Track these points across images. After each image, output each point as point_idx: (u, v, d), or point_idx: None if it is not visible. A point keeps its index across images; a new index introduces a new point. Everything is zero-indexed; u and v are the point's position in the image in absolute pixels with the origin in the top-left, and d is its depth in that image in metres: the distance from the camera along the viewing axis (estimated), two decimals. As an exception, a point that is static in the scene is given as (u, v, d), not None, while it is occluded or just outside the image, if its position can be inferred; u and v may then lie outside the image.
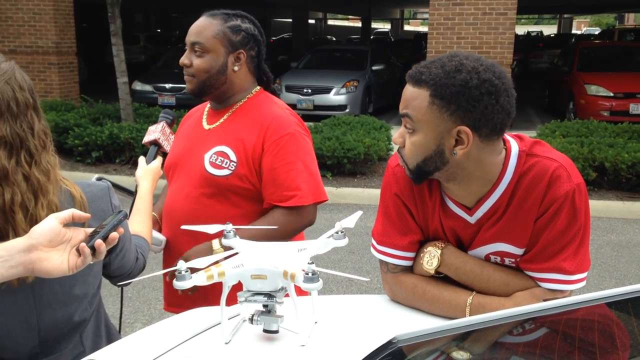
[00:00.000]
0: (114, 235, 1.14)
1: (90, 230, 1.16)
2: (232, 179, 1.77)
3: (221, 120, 1.86)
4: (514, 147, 1.33)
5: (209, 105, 1.95)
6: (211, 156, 1.80)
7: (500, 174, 1.31)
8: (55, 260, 1.10)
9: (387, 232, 1.44)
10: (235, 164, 1.77)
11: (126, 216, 1.19)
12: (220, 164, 1.78)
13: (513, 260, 1.37)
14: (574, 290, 1.35)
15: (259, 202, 1.82)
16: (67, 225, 1.13)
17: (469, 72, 1.22)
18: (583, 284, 1.33)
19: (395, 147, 1.37)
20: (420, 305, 1.40)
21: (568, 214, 1.28)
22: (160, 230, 1.94)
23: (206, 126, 1.88)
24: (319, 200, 1.81)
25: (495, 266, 1.37)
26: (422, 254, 1.41)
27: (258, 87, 1.90)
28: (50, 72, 10.13)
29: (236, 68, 1.81)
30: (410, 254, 1.43)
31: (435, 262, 1.38)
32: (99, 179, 1.48)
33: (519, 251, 1.35)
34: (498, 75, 1.24)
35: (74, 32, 10.46)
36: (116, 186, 1.88)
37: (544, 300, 1.30)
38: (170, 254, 1.89)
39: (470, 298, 1.33)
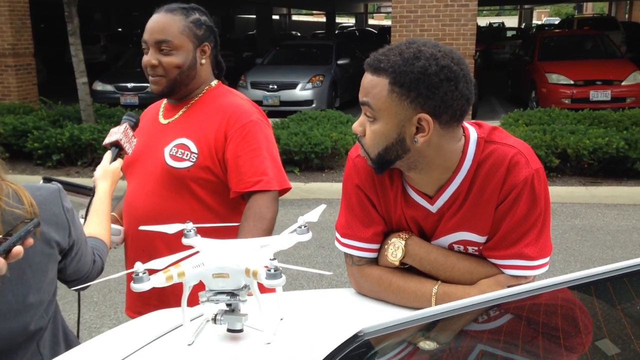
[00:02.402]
0: (18, 249, 1.06)
1: None
2: (193, 170, 1.74)
3: (179, 113, 1.83)
4: (473, 134, 1.33)
5: (165, 100, 1.91)
6: (171, 149, 1.77)
7: (460, 161, 1.31)
8: None
9: (350, 225, 1.42)
10: (196, 156, 1.75)
11: (37, 225, 1.10)
12: (180, 156, 1.75)
13: (476, 248, 1.37)
14: (538, 275, 1.36)
15: (223, 195, 1.79)
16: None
17: (427, 58, 1.21)
18: (546, 268, 1.33)
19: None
20: (386, 297, 1.39)
21: (528, 199, 1.28)
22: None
23: (163, 121, 1.85)
24: (284, 187, 1.79)
25: (459, 255, 1.37)
26: (386, 246, 1.40)
27: (215, 81, 1.88)
28: (7, 74, 9.85)
29: (203, 61, 1.80)
30: (375, 246, 1.42)
31: (399, 253, 1.37)
32: (47, 180, 1.42)
33: (481, 239, 1.35)
34: (457, 61, 1.23)
35: (30, 32, 10.18)
36: (72, 185, 1.82)
37: (508, 286, 1.30)
38: (133, 252, 1.86)
39: (436, 287, 1.33)
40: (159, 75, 1.76)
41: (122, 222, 1.93)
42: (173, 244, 1.66)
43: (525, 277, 1.32)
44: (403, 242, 1.37)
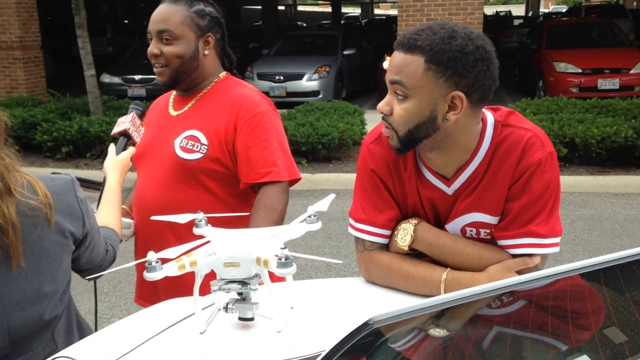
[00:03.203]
0: None
1: None
2: (203, 162, 1.76)
3: (188, 105, 1.84)
4: (490, 117, 1.35)
5: (174, 92, 1.92)
6: (181, 141, 1.78)
7: (478, 143, 1.33)
8: None
9: (364, 210, 1.44)
10: (206, 147, 1.76)
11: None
12: (191, 147, 1.76)
13: (488, 231, 1.38)
14: (547, 262, 1.36)
15: (233, 186, 1.80)
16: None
17: (462, 37, 1.24)
18: (557, 249, 1.34)
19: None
20: (395, 283, 1.40)
21: (541, 179, 1.30)
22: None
23: (173, 112, 1.86)
24: (294, 178, 1.80)
25: (468, 241, 1.38)
26: (396, 231, 1.41)
27: (224, 72, 1.89)
28: (15, 67, 9.89)
29: (206, 52, 1.80)
30: (387, 232, 1.43)
31: (408, 239, 1.38)
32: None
33: (493, 220, 1.36)
34: (488, 42, 1.27)
35: (37, 25, 10.21)
36: (82, 180, 1.83)
37: (518, 272, 1.31)
38: (142, 243, 1.87)
39: (445, 274, 1.33)
40: (162, 66, 1.77)
41: (132, 214, 1.95)
42: (183, 234, 1.68)
43: (536, 256, 1.32)
44: (412, 228, 1.38)
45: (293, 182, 1.82)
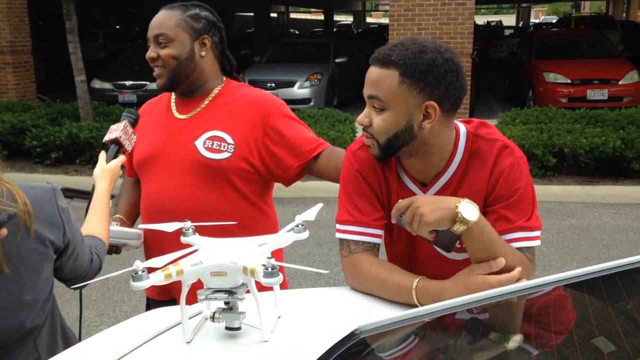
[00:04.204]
0: None
1: None
2: (232, 160, 1.80)
3: (198, 108, 1.86)
4: (462, 127, 1.45)
5: (173, 95, 1.93)
6: (204, 142, 1.80)
7: (453, 151, 1.42)
8: None
9: (348, 211, 1.47)
10: (233, 146, 1.80)
11: (11, 218, 1.12)
12: (217, 148, 1.80)
13: None
14: (535, 274, 1.37)
15: (256, 184, 1.87)
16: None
17: (432, 52, 1.33)
18: (539, 242, 1.40)
19: (359, 130, 1.40)
20: (372, 288, 1.41)
21: (517, 181, 1.38)
22: (131, 227, 1.93)
23: (179, 116, 1.87)
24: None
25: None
26: (459, 203, 1.28)
27: (224, 78, 1.93)
28: (5, 72, 9.84)
29: (203, 53, 1.84)
30: (372, 230, 1.45)
31: (476, 213, 1.28)
32: (66, 190, 1.43)
33: None
34: (455, 55, 1.37)
35: (28, 30, 10.17)
36: (72, 190, 1.83)
37: (477, 274, 1.30)
38: (157, 248, 1.85)
39: (416, 281, 1.34)
40: (160, 67, 1.80)
41: (130, 222, 1.95)
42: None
43: (500, 260, 1.30)
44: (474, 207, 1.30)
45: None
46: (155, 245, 1.88)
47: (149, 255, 1.92)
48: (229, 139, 1.80)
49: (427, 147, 1.39)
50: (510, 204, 1.38)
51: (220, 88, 1.89)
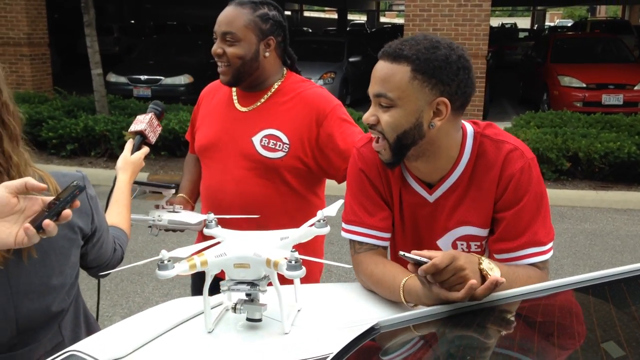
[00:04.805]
0: (67, 212, 1.10)
1: (50, 199, 1.12)
2: (286, 160, 1.85)
3: (258, 102, 1.91)
4: (469, 128, 1.40)
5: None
6: (261, 139, 1.86)
7: (460, 152, 1.38)
8: (2, 232, 1.08)
9: (353, 211, 1.46)
10: (288, 146, 1.85)
11: (83, 189, 1.15)
12: (273, 147, 1.85)
13: (478, 243, 1.41)
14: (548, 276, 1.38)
15: (309, 180, 1.92)
16: (24, 195, 1.10)
17: (446, 47, 1.29)
18: (552, 253, 1.37)
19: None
20: (373, 288, 1.40)
21: (528, 185, 1.33)
22: (193, 207, 2.03)
23: (241, 108, 1.92)
24: None
25: (509, 265, 1.33)
26: (482, 261, 1.22)
27: (285, 70, 1.96)
28: (22, 63, 9.93)
29: (267, 54, 1.87)
30: (377, 233, 1.44)
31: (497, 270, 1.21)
32: (137, 183, 1.45)
33: (483, 232, 1.40)
34: (466, 52, 1.34)
35: (45, 22, 10.25)
36: (153, 184, 1.93)
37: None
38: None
39: (404, 280, 1.30)
40: (225, 64, 1.84)
41: (193, 202, 2.04)
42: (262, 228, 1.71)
43: (542, 263, 1.34)
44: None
45: None
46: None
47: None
48: (285, 139, 1.85)
49: (435, 147, 1.34)
50: (521, 209, 1.33)
51: (280, 83, 1.92)
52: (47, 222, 1.08)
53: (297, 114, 1.86)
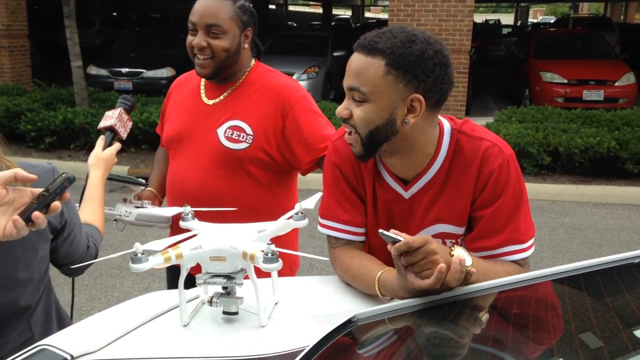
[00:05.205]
0: (56, 204, 1.09)
1: (39, 191, 1.10)
2: (250, 151, 1.83)
3: (224, 94, 1.89)
4: (446, 124, 1.37)
5: (203, 79, 1.95)
6: (225, 131, 1.84)
7: (437, 148, 1.35)
8: None
9: (329, 206, 1.45)
10: (252, 137, 1.83)
11: (71, 181, 1.13)
12: (236, 138, 1.83)
13: (453, 241, 1.40)
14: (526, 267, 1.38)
15: (275, 172, 1.90)
16: (12, 186, 1.08)
17: (422, 42, 1.24)
18: (532, 250, 1.36)
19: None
20: (350, 282, 1.39)
21: (507, 184, 1.31)
22: (160, 202, 2.01)
23: (207, 101, 1.90)
24: None
25: (487, 260, 1.33)
26: (452, 251, 1.23)
27: (254, 60, 1.95)
28: (1, 55, 9.77)
29: (246, 45, 1.87)
30: (351, 228, 1.43)
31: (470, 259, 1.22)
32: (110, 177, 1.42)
33: (459, 230, 1.38)
34: (445, 48, 1.28)
35: (25, 14, 10.09)
36: (122, 178, 1.89)
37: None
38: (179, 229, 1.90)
39: (380, 273, 1.29)
40: (208, 58, 1.81)
41: (161, 196, 2.02)
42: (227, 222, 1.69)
43: (522, 260, 1.34)
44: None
45: None
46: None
47: (174, 231, 1.95)
48: (248, 130, 1.83)
49: (409, 144, 1.30)
50: (500, 206, 1.31)
51: (245, 75, 1.90)
52: (36, 214, 1.07)
53: (263, 104, 1.85)
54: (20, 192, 1.10)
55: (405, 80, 1.24)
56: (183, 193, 1.88)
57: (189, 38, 1.82)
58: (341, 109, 1.30)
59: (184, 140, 1.90)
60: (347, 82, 1.29)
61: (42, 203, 1.09)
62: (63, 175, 1.13)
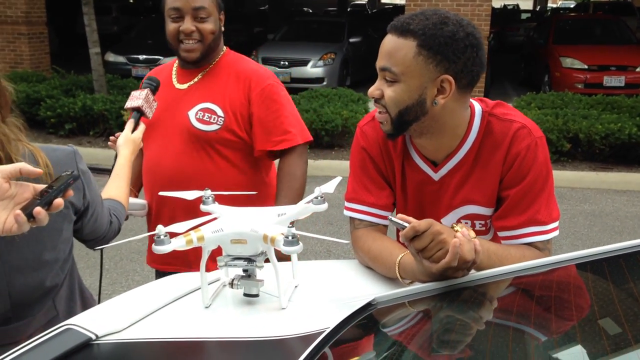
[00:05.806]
0: (59, 201, 1.09)
1: (42, 187, 1.10)
2: (221, 132, 1.86)
3: (196, 78, 1.92)
4: (477, 107, 1.38)
5: (176, 64, 1.99)
6: (196, 113, 1.87)
7: (467, 130, 1.36)
8: None
9: (354, 189, 1.47)
10: (222, 119, 1.86)
11: (77, 178, 1.14)
12: (208, 119, 1.86)
13: (483, 222, 1.40)
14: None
15: (246, 152, 1.93)
16: (17, 180, 1.08)
17: (454, 24, 1.26)
18: (557, 233, 1.36)
19: (371, 109, 1.37)
20: (370, 265, 1.39)
21: (534, 165, 1.32)
22: (136, 195, 2.01)
23: (179, 86, 1.93)
24: (306, 140, 1.95)
25: (498, 244, 1.35)
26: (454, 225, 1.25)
27: (225, 47, 1.98)
28: (20, 42, 9.86)
29: (222, 28, 1.91)
30: (376, 211, 1.44)
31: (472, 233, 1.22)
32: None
33: (488, 211, 1.39)
34: (477, 30, 1.30)
35: (43, 1, 10.15)
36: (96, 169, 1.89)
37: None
38: (157, 212, 1.95)
39: (400, 256, 1.29)
40: (196, 41, 1.83)
41: (135, 192, 2.01)
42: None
43: (542, 242, 1.34)
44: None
45: (306, 144, 1.96)
46: (158, 214, 1.95)
47: (151, 225, 1.99)
48: (219, 112, 1.86)
49: (439, 124, 1.32)
50: (524, 187, 1.32)
51: (217, 60, 1.93)
52: (38, 209, 1.05)
53: (233, 89, 1.87)
54: (23, 187, 1.09)
55: (436, 61, 1.25)
56: (157, 175, 1.91)
57: (172, 25, 1.83)
58: (373, 90, 1.33)
59: (158, 126, 1.91)
60: (379, 63, 1.31)
61: (45, 199, 1.07)
62: (68, 173, 1.13)
